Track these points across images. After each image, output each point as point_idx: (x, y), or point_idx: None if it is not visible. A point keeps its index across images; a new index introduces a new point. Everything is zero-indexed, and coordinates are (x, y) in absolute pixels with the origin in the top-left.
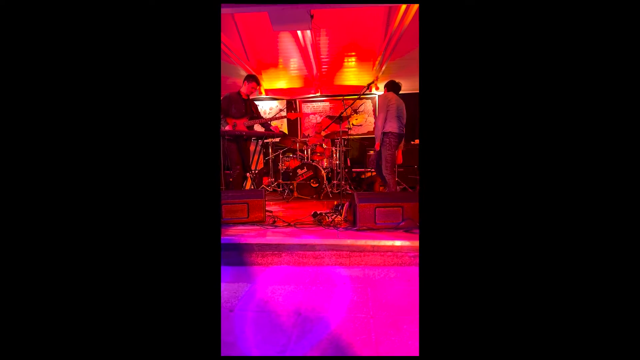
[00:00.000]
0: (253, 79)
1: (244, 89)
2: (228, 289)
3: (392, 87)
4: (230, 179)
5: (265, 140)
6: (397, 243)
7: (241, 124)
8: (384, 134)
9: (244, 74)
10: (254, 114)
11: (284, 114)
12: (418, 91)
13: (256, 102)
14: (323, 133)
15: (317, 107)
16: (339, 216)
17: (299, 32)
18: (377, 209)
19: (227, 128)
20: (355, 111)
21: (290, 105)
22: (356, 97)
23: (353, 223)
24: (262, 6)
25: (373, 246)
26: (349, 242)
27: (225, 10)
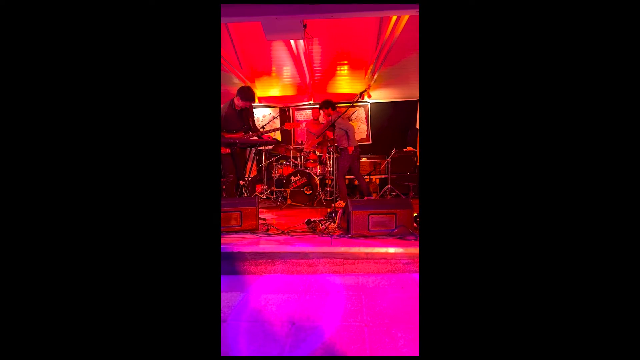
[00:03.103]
0: (248, 98)
1: (237, 102)
2: (221, 299)
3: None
4: (223, 187)
5: (258, 148)
6: (391, 250)
7: (237, 137)
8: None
9: (237, 82)
10: (250, 126)
11: (277, 122)
12: (409, 99)
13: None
14: (319, 139)
15: (310, 114)
16: (332, 223)
17: (292, 41)
18: (370, 216)
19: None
20: (348, 119)
21: (284, 113)
22: (349, 104)
23: (347, 230)
24: (255, 17)
25: (367, 253)
26: (342, 249)
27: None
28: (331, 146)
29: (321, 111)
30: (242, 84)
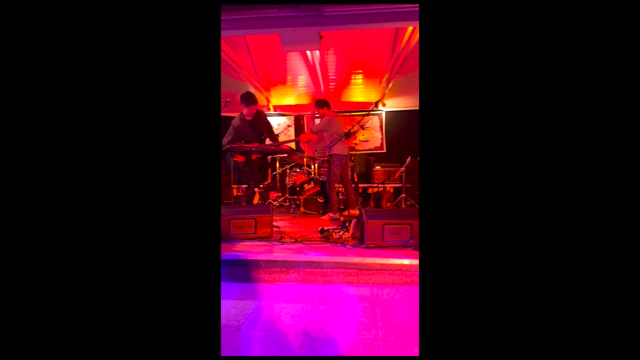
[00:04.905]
0: (250, 102)
1: (245, 112)
2: (235, 307)
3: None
4: (239, 194)
5: (273, 156)
6: (406, 262)
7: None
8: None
9: (252, 90)
10: (264, 134)
11: (291, 130)
12: None
13: (259, 111)
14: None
15: None
16: (346, 233)
17: (307, 52)
18: (385, 226)
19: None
20: (362, 127)
21: (298, 122)
22: (365, 113)
23: (361, 240)
24: (273, 29)
25: (381, 264)
26: (356, 260)
27: (236, 32)
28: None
29: (316, 110)
30: (258, 92)
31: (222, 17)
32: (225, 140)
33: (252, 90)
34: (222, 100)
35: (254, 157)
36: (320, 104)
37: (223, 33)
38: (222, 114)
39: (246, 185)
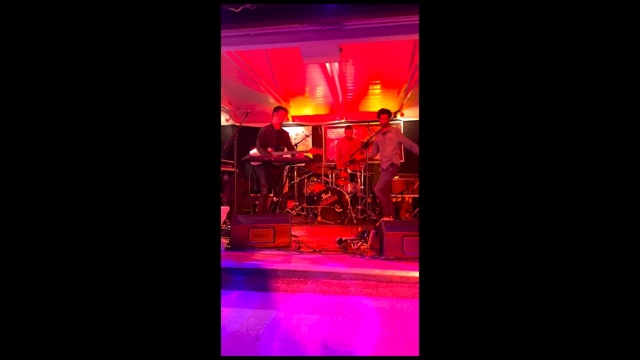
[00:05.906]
0: (281, 108)
1: (275, 120)
2: (254, 316)
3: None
4: (257, 202)
5: (292, 165)
6: None
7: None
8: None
9: (272, 101)
10: (283, 145)
11: (309, 140)
12: None
13: (285, 129)
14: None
15: (341, 133)
16: (364, 244)
17: (327, 64)
18: (405, 237)
19: (253, 154)
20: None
21: (316, 131)
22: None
23: (380, 251)
24: (294, 42)
25: (401, 277)
26: (376, 272)
27: (259, 47)
28: (363, 164)
29: (384, 117)
30: (277, 104)
31: (245, 32)
32: (257, 142)
33: (271, 101)
34: (243, 111)
35: (272, 165)
36: (389, 113)
37: (246, 47)
38: (243, 124)
39: (260, 194)
